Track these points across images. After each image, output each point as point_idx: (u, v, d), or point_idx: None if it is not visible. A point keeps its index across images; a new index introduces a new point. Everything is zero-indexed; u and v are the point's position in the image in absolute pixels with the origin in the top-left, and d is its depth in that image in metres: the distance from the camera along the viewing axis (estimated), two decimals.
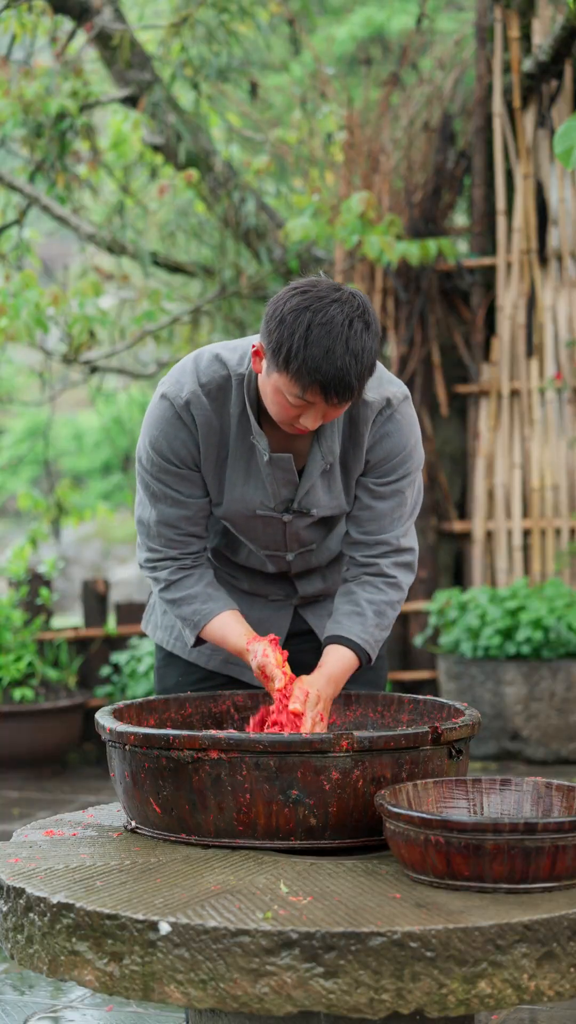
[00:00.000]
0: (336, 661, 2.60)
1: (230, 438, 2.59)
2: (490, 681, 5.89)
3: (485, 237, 6.61)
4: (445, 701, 2.60)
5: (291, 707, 2.49)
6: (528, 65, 6.39)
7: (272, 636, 2.59)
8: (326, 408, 2.44)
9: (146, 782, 2.31)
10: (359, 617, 2.64)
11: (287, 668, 2.54)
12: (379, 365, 2.61)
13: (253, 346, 2.50)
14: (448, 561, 6.73)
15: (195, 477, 2.62)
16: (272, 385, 2.44)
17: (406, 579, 2.70)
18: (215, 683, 2.82)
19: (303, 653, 2.81)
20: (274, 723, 2.51)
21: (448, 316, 6.65)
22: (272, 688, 2.52)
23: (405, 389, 2.64)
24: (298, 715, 2.49)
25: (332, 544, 2.78)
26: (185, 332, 7.19)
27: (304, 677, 2.56)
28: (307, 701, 2.51)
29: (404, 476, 2.64)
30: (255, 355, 2.49)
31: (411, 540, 2.70)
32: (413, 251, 6.08)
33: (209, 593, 2.66)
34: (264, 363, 2.47)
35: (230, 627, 2.62)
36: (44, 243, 9.02)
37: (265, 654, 2.53)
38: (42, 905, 2.05)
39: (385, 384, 2.61)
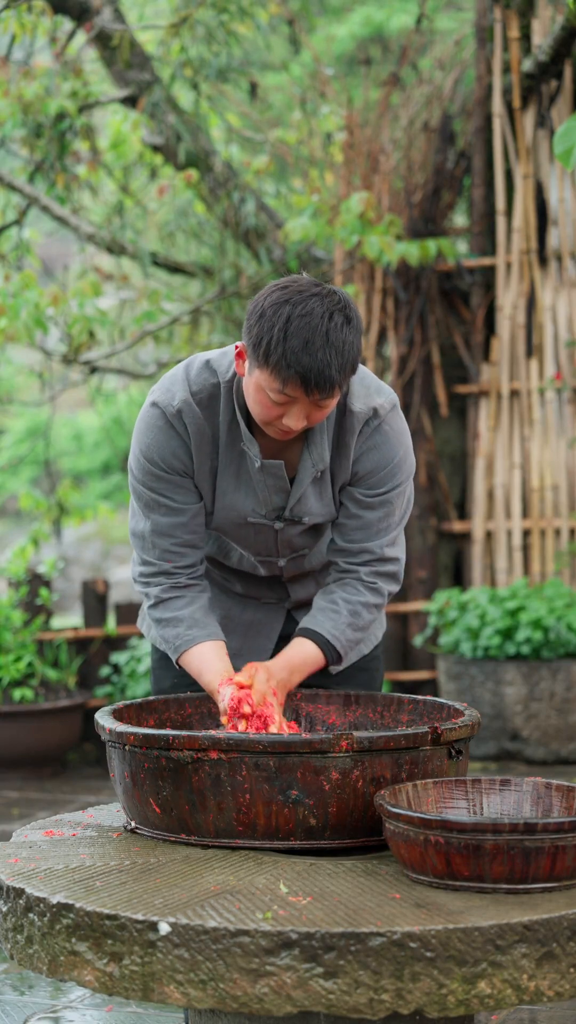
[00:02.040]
0: (298, 652, 2.59)
1: (220, 446, 2.56)
2: (490, 681, 5.89)
3: (485, 237, 6.61)
4: (445, 701, 2.60)
5: (236, 679, 2.47)
6: (528, 65, 6.39)
7: (242, 682, 2.50)
8: (309, 405, 2.40)
9: (146, 782, 2.31)
10: (332, 613, 2.62)
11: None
12: (368, 372, 2.59)
13: (236, 347, 2.48)
14: (448, 561, 6.73)
15: (188, 484, 2.58)
16: (254, 383, 2.42)
17: (387, 587, 2.66)
18: None
19: None
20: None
21: (448, 316, 6.64)
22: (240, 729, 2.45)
23: (394, 397, 2.59)
24: (244, 687, 2.46)
25: (324, 548, 2.75)
26: (185, 332, 7.18)
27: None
28: (255, 676, 2.48)
29: (393, 488, 2.60)
30: (238, 356, 2.47)
31: (396, 550, 2.66)
32: (413, 251, 6.08)
33: (196, 619, 2.61)
34: (247, 362, 2.45)
35: (208, 662, 2.56)
36: (44, 243, 9.02)
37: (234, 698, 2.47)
38: (42, 905, 2.05)
39: (373, 393, 2.56)
